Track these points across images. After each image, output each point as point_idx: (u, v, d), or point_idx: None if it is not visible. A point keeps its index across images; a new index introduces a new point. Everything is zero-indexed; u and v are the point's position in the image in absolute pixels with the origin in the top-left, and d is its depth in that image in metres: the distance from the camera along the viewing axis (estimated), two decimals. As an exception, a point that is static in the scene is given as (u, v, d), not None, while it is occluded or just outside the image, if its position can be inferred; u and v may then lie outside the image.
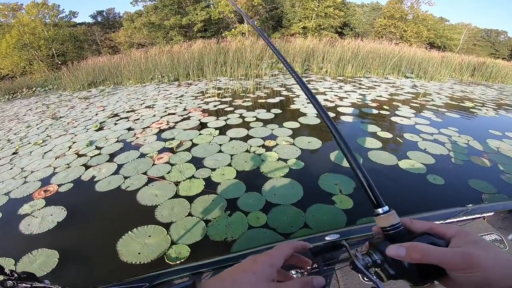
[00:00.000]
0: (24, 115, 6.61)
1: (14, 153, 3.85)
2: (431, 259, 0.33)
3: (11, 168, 3.31)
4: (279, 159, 2.83)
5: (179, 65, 9.07)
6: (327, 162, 2.79)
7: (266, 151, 3.01)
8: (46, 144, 3.98)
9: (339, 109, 4.66)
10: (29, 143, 4.16)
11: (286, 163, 2.74)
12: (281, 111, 4.64)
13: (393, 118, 4.18)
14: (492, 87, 8.83)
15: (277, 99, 5.43)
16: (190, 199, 2.28)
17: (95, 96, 7.65)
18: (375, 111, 4.54)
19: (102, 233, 2.07)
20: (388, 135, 3.48)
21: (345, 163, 2.70)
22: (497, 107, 5.42)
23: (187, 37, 20.32)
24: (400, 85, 7.28)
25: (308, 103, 5.03)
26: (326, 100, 5.24)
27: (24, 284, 0.50)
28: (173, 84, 8.22)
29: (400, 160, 2.80)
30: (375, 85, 6.99)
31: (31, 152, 3.76)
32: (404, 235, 0.38)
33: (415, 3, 23.38)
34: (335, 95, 5.63)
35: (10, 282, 0.49)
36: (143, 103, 5.85)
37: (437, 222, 0.89)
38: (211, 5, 21.58)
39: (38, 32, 18.74)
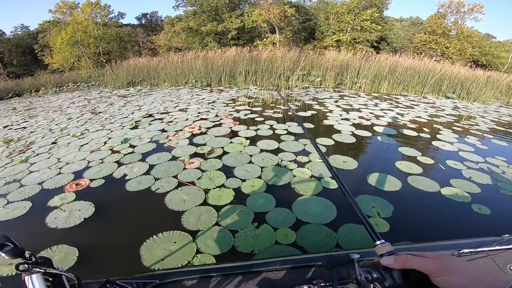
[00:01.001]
0: (67, 107, 7.08)
1: (53, 143, 4.05)
2: (412, 264, 0.44)
3: (48, 158, 3.47)
4: (312, 176, 2.71)
5: (212, 71, 9.27)
6: (363, 183, 2.62)
7: (298, 167, 2.89)
8: (83, 137, 4.17)
9: (375, 128, 4.43)
10: (68, 135, 4.39)
11: (320, 181, 2.61)
12: (313, 126, 4.52)
13: (434, 143, 3.88)
14: (545, 112, 7.98)
15: (309, 113, 5.31)
16: (218, 208, 2.23)
17: (132, 95, 8.03)
18: (414, 133, 4.25)
19: (127, 235, 2.05)
20: (429, 160, 3.22)
21: (384, 187, 2.54)
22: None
23: (221, 43, 20.87)
24: (440, 105, 6.82)
25: (342, 119, 4.89)
26: (361, 117, 5.02)
27: (37, 269, 0.52)
28: (205, 89, 8.42)
29: (442, 188, 2.57)
30: (413, 104, 6.61)
31: (69, 143, 3.94)
32: None
33: (460, 18, 22.15)
34: (370, 113, 5.39)
35: (25, 265, 0.50)
36: (177, 106, 6.01)
37: (466, 250, 0.86)
38: (245, 14, 22.09)
39: (89, 31, 20.18)
